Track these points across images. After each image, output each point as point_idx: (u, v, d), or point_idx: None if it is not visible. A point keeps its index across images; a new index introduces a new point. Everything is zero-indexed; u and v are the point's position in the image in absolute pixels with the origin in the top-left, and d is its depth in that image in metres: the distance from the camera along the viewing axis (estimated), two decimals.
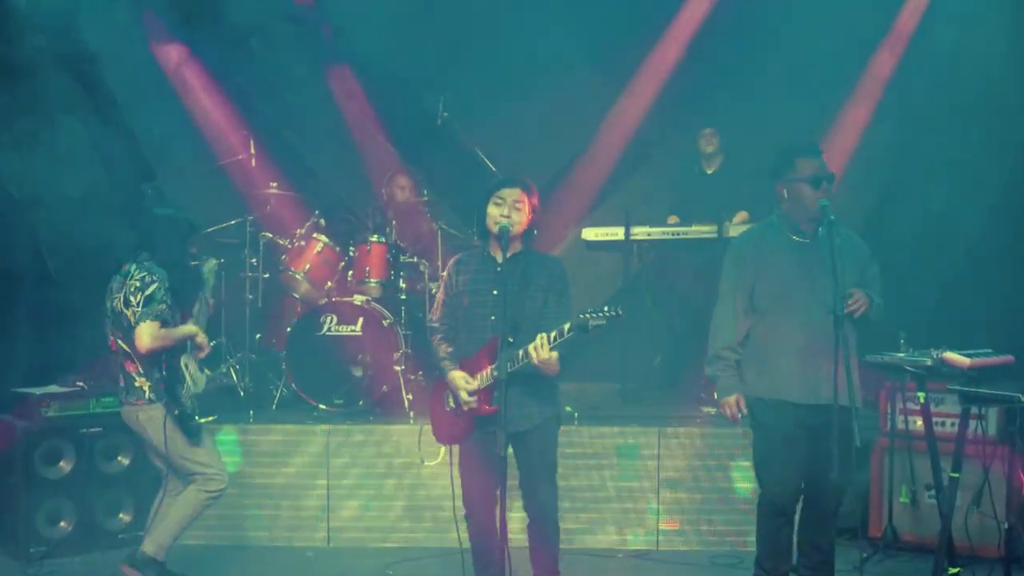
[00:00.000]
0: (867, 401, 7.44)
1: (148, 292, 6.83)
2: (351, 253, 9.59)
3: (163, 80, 11.00)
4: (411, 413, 8.81)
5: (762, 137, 10.09)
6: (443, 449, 7.65)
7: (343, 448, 8.47)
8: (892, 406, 8.03)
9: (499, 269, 6.23)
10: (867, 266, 6.44)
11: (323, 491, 8.40)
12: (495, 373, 6.05)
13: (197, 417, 7.08)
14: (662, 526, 8.32)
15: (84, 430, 8.07)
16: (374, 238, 9.54)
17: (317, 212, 9.87)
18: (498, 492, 5.92)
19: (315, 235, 9.66)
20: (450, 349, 6.40)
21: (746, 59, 10.62)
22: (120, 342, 7.00)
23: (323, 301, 9.27)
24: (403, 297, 9.53)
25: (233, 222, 10.05)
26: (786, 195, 6.39)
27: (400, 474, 8.42)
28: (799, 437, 6.31)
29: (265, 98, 11.36)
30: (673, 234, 9.64)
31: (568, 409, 8.67)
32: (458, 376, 6.27)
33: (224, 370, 9.70)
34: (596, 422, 8.58)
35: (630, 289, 9.98)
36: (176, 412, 6.95)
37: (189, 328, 7.10)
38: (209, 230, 10.17)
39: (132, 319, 6.83)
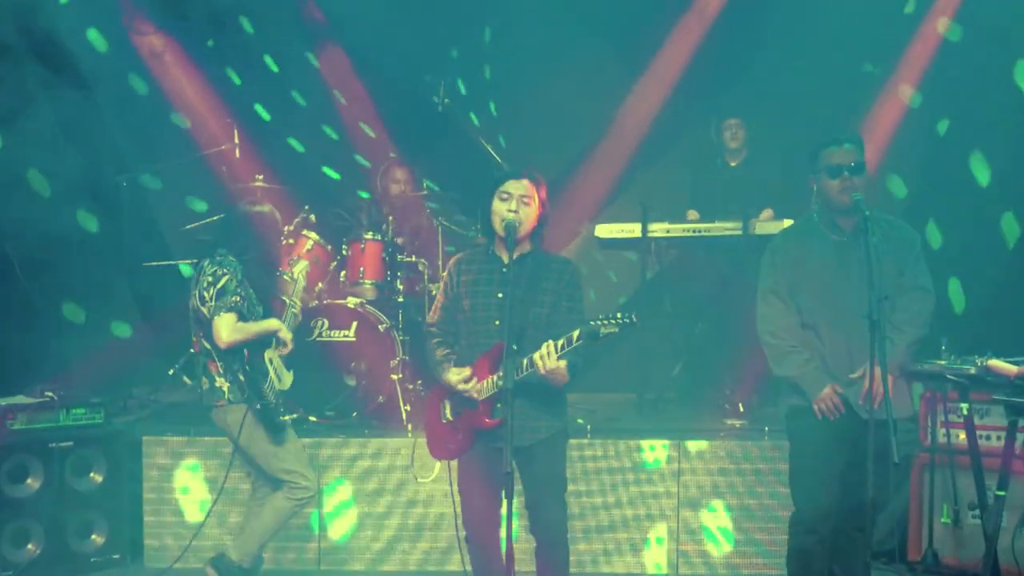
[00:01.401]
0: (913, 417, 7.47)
1: (220, 285, 7.09)
2: (344, 252, 9.58)
3: (141, 66, 11.01)
4: (409, 425, 8.79)
5: (790, 127, 10.12)
6: (438, 465, 7.61)
7: (335, 463, 8.46)
8: (932, 418, 8.00)
9: (505, 270, 6.20)
10: (909, 263, 6.43)
11: (313, 509, 8.38)
12: (499, 382, 6.02)
13: (283, 415, 7.26)
14: (682, 548, 8.30)
15: (53, 444, 8.05)
16: (369, 235, 9.52)
17: (307, 207, 9.84)
18: (503, 512, 5.89)
19: (304, 232, 9.63)
20: (447, 352, 6.39)
21: (772, 43, 10.62)
22: (202, 341, 7.25)
23: (313, 304, 9.26)
24: (400, 299, 9.50)
25: (215, 218, 10.04)
26: (816, 189, 6.46)
27: (396, 491, 8.41)
28: (836, 451, 6.32)
29: (250, 84, 11.38)
30: (694, 231, 9.60)
31: (580, 421, 8.68)
32: (452, 373, 6.26)
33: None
34: (611, 435, 8.56)
35: (647, 291, 9.97)
36: (258, 406, 7.13)
37: (270, 322, 7.31)
38: (189, 226, 10.19)
39: (208, 314, 7.08)
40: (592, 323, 5.80)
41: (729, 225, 9.46)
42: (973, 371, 6.74)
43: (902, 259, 6.40)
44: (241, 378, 7.16)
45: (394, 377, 9.01)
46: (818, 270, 6.40)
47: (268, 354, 7.32)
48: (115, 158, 10.60)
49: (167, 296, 10.69)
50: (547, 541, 6.34)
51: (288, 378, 7.45)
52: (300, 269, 8.40)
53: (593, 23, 11.33)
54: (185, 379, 9.99)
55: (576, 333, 5.84)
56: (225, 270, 7.13)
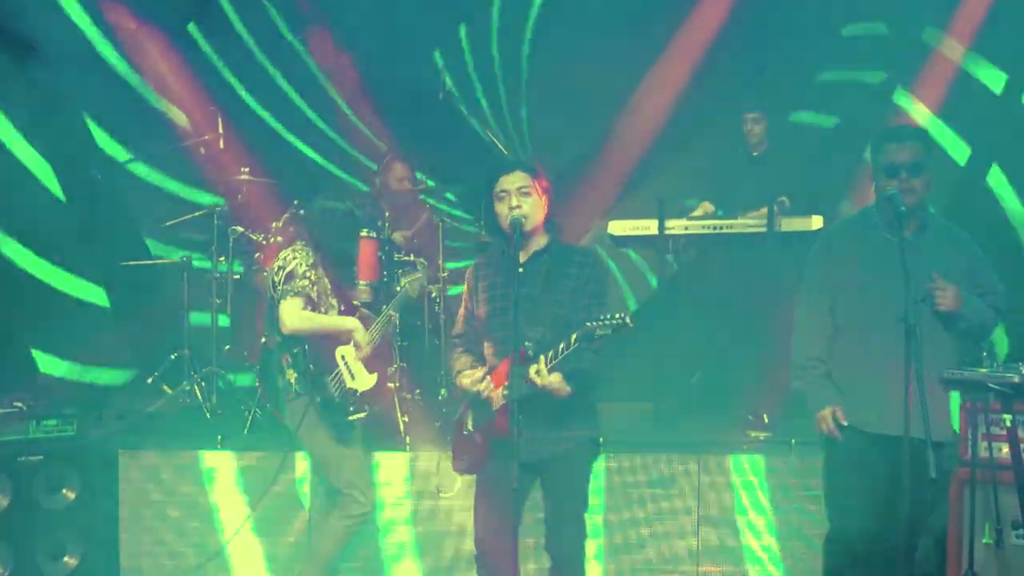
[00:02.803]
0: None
1: (288, 268, 7.21)
2: None
3: (119, 50, 11.02)
4: (407, 438, 8.78)
5: (817, 115, 10.12)
6: (459, 480, 7.64)
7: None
8: (973, 431, 7.94)
9: (521, 270, 6.18)
10: (977, 271, 6.44)
11: (303, 528, 8.39)
12: (505, 394, 6.01)
13: (350, 414, 7.28)
14: (703, 570, 8.30)
15: (22, 458, 8.05)
16: (364, 233, 9.50)
17: (296, 202, 9.85)
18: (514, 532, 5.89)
19: (294, 229, 9.65)
20: (469, 360, 6.41)
21: (797, 27, 10.62)
22: (274, 333, 7.34)
23: None
24: None
25: (198, 214, 10.06)
26: (874, 183, 6.45)
27: (394, 508, 8.41)
28: (875, 466, 6.29)
29: (236, 70, 11.39)
30: (715, 228, 9.57)
31: None
32: (464, 376, 6.29)
33: (187, 388, 9.71)
34: (625, 449, 8.54)
35: (665, 292, 9.97)
36: (318, 399, 7.19)
37: (345, 320, 7.41)
38: (170, 223, 10.19)
39: (277, 299, 7.21)
40: (587, 324, 5.81)
41: (752, 222, 9.43)
42: (1017, 379, 6.70)
43: (965, 266, 6.40)
44: (311, 367, 7.22)
45: (391, 386, 9.01)
46: (862, 270, 6.38)
47: (342, 351, 7.37)
48: (89, 150, 10.64)
49: (144, 298, 10.73)
50: (562, 563, 6.31)
51: (367, 380, 7.46)
52: (409, 281, 8.62)
53: (606, 6, 11.33)
54: (165, 388, 9.98)
55: (573, 336, 5.84)
56: (296, 254, 7.26)
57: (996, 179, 10.29)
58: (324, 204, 7.56)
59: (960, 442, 7.84)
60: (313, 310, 7.26)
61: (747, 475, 8.31)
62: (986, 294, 6.42)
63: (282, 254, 7.34)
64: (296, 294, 7.16)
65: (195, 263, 10.12)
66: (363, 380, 7.45)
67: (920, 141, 6.41)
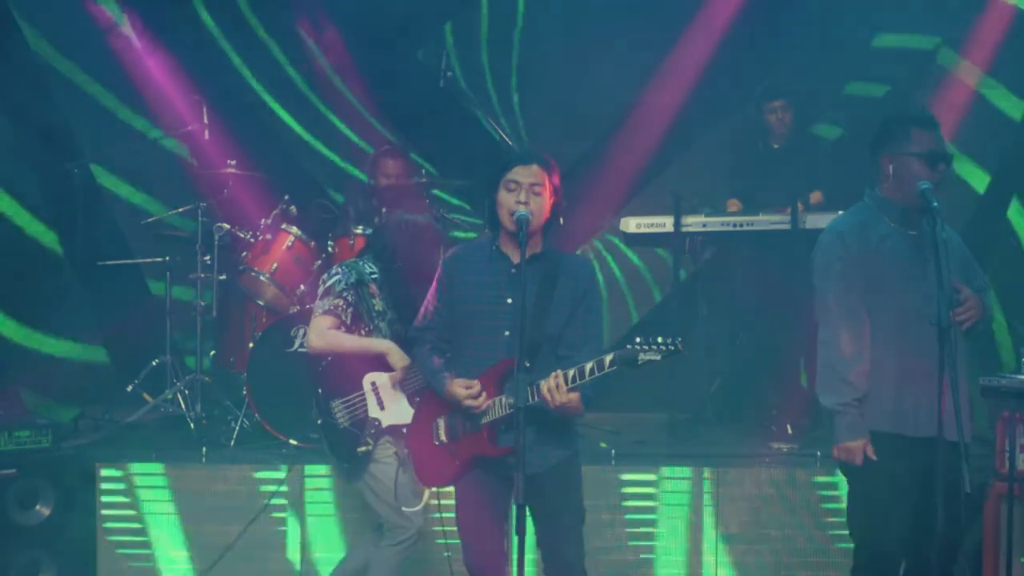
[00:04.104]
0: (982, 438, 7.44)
1: (328, 283, 7.24)
2: (329, 249, 9.61)
3: (94, 34, 11.03)
4: (405, 451, 8.78)
5: (840, 105, 10.13)
6: (426, 492, 7.65)
7: (320, 495, 8.49)
8: (1011, 441, 7.96)
9: (514, 271, 6.08)
10: (974, 272, 6.47)
11: (295, 548, 8.43)
12: (508, 403, 5.94)
13: (360, 446, 7.18)
14: None
15: None
16: (358, 230, 9.53)
17: (287, 197, 9.87)
18: (510, 549, 5.87)
19: (284, 226, 9.67)
20: (443, 361, 6.31)
21: (817, 11, 10.64)
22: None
23: (294, 309, 9.29)
24: None
25: (181, 210, 10.07)
26: (891, 171, 6.36)
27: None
28: (906, 478, 6.29)
29: (221, 54, 11.40)
30: (734, 225, 9.58)
31: (603, 445, 8.69)
32: (455, 385, 6.11)
33: (170, 396, 9.72)
34: (638, 462, 8.58)
35: (680, 294, 9.95)
36: (319, 421, 7.23)
37: (375, 342, 7.24)
38: (150, 220, 10.20)
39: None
40: (629, 347, 5.70)
41: (775, 218, 9.44)
42: None
43: (965, 266, 6.41)
44: (319, 390, 7.24)
45: None
46: (885, 267, 6.34)
47: (373, 377, 7.22)
48: (64, 143, 10.65)
49: (125, 300, 10.73)
50: None
51: (400, 415, 7.16)
52: None
53: None
54: (145, 396, 9.99)
55: (609, 358, 5.75)
56: (340, 271, 7.25)
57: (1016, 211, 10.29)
58: (404, 217, 7.45)
59: (996, 455, 7.85)
60: (346, 331, 7.19)
61: (768, 490, 8.33)
62: (979, 289, 6.43)
63: (334, 269, 7.37)
64: (326, 312, 7.14)
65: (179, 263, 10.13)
66: (395, 414, 7.21)
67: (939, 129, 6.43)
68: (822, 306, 6.47)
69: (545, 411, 5.95)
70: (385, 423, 7.17)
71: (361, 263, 7.31)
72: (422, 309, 6.45)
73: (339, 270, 7.26)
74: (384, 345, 7.20)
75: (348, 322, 7.17)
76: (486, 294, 6.17)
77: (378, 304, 7.24)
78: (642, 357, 5.68)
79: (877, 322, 6.34)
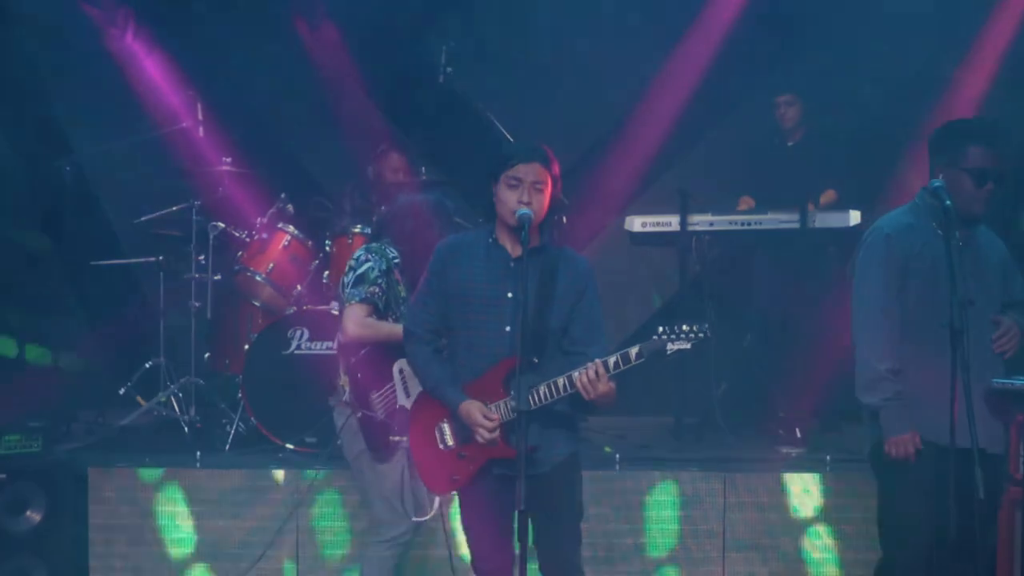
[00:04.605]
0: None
1: (360, 271, 7.19)
2: (327, 248, 9.61)
3: (85, 27, 11.03)
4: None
5: (855, 98, 10.11)
6: (436, 500, 7.65)
7: (316, 500, 8.46)
8: None
9: (513, 264, 6.10)
10: (1014, 281, 6.51)
11: (290, 554, 8.41)
12: (511, 404, 5.92)
13: (392, 433, 7.18)
14: None
15: None
16: (357, 229, 9.53)
17: (283, 195, 9.88)
18: (517, 553, 5.85)
19: (280, 225, 9.68)
20: (443, 365, 6.30)
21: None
22: (340, 334, 7.33)
23: (291, 310, 9.29)
24: None
25: (175, 208, 10.07)
26: (939, 179, 6.41)
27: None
28: (937, 489, 6.28)
29: (216, 49, 11.39)
30: (743, 223, 9.58)
31: (608, 450, 8.68)
32: (475, 409, 6.07)
33: (163, 399, 9.72)
34: (643, 466, 8.56)
35: (687, 295, 9.93)
36: (359, 415, 7.16)
37: None
38: (143, 219, 10.20)
39: (343, 301, 7.23)
40: (656, 337, 5.71)
41: (784, 216, 9.43)
42: None
43: (1005, 273, 6.43)
44: (357, 377, 7.23)
45: None
46: (928, 271, 6.36)
47: (401, 363, 7.22)
48: (54, 139, 10.65)
49: (116, 301, 10.73)
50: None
51: None
52: None
53: None
54: (139, 399, 10.00)
55: (635, 351, 5.75)
56: (371, 256, 7.25)
57: None
58: (413, 198, 7.55)
59: (1010, 459, 7.84)
60: (379, 319, 7.22)
61: (778, 497, 8.32)
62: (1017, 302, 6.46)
63: (356, 253, 7.32)
64: (363, 300, 7.13)
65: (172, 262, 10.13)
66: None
67: (1003, 145, 6.43)
68: (859, 305, 6.54)
69: (553, 408, 5.99)
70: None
71: (385, 248, 7.31)
72: (413, 300, 6.47)
73: (368, 256, 7.24)
74: None
75: (383, 309, 7.21)
76: (484, 287, 6.15)
77: (402, 290, 7.27)
78: (670, 348, 5.71)
79: (918, 327, 6.36)
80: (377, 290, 7.14)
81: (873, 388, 6.46)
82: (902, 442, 6.38)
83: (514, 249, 6.10)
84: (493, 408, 6.05)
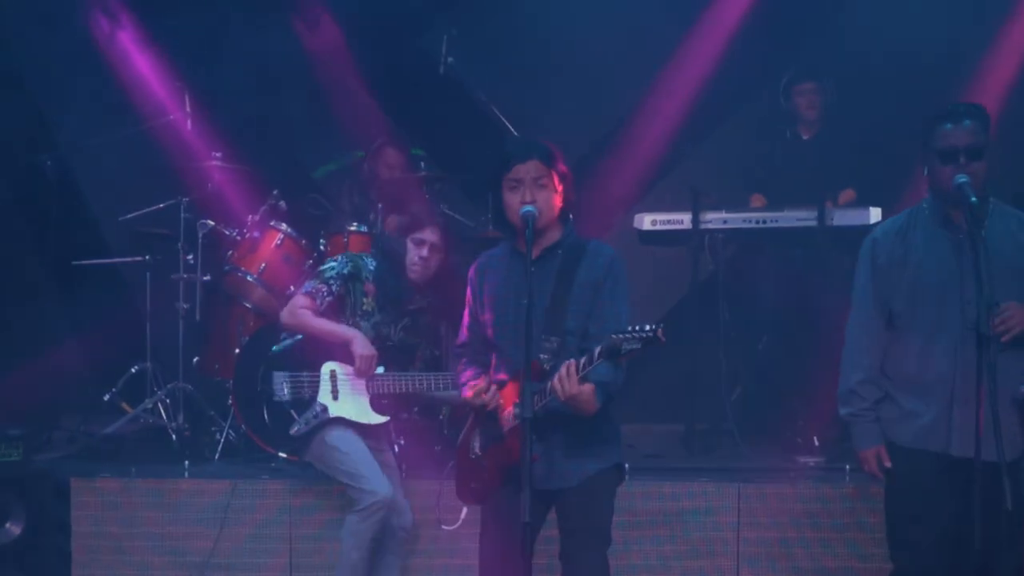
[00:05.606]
0: None
1: (322, 267, 7.83)
2: (322, 247, 9.61)
3: (69, 14, 11.02)
4: (402, 465, 8.77)
5: (874, 90, 10.08)
6: (464, 510, 7.68)
7: (310, 512, 8.46)
8: None
9: (533, 269, 6.04)
10: None
11: (283, 569, 8.40)
12: (516, 412, 5.94)
13: (290, 428, 7.73)
14: None
15: None
16: (353, 227, 9.53)
17: (276, 192, 9.87)
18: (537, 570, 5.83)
19: (273, 223, 9.67)
20: (474, 371, 6.37)
21: None
22: None
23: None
24: None
25: (162, 205, 10.06)
26: (925, 172, 6.39)
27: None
28: (945, 496, 6.27)
29: (206, 39, 11.38)
30: (757, 221, 9.56)
31: None
32: (468, 386, 6.26)
33: (150, 406, 9.71)
34: (654, 476, 8.55)
35: (699, 297, 9.91)
36: (258, 388, 7.80)
37: (343, 329, 7.69)
38: (129, 216, 10.18)
39: None
40: (613, 336, 5.70)
41: (801, 214, 9.40)
42: None
43: (1020, 263, 6.36)
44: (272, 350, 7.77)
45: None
46: (923, 272, 6.34)
47: (332, 366, 7.68)
48: (36, 132, 10.65)
49: (101, 302, 10.72)
50: None
51: (351, 408, 7.71)
52: None
53: None
54: (124, 406, 9.98)
55: (597, 351, 5.74)
56: (337, 260, 7.77)
57: None
58: (390, 244, 7.92)
59: None
60: (322, 316, 7.62)
61: (795, 507, 8.30)
62: None
63: (339, 255, 7.87)
64: (306, 292, 7.59)
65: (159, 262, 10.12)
66: (347, 408, 7.71)
67: (978, 120, 6.32)
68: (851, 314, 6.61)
69: (573, 417, 5.97)
70: (333, 413, 7.66)
71: (365, 258, 7.71)
72: (461, 324, 6.58)
73: (337, 258, 7.72)
74: (350, 333, 7.63)
75: (322, 309, 7.60)
76: (508, 297, 6.22)
77: (368, 304, 7.61)
78: (624, 347, 5.67)
79: (921, 333, 6.33)
80: (324, 288, 7.62)
81: (845, 400, 6.58)
82: (866, 457, 6.51)
83: (535, 252, 6.10)
84: (509, 411, 6.10)
